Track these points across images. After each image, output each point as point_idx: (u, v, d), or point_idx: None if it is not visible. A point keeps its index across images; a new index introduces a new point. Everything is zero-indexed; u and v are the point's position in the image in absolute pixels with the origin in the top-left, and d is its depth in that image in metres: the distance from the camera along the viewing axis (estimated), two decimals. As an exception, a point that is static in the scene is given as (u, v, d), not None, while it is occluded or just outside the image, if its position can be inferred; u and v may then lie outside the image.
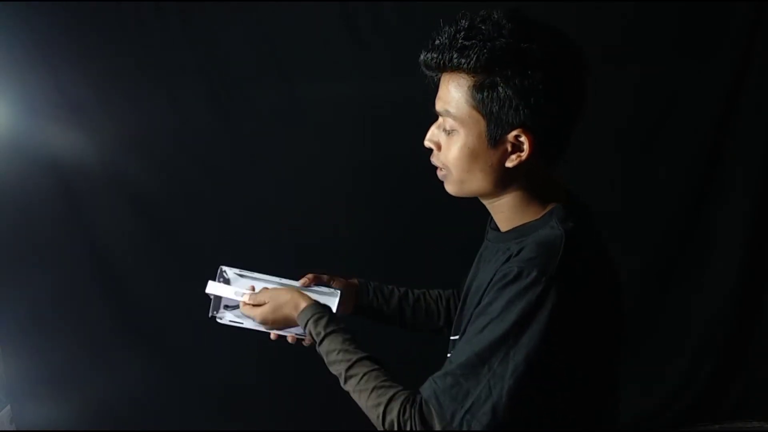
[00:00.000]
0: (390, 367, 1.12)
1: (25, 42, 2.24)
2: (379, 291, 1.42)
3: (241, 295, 1.35)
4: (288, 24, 2.34)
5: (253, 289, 1.37)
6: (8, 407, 2.47)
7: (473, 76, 1.02)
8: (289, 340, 1.34)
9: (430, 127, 1.12)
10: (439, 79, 1.08)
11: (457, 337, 1.18)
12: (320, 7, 2.31)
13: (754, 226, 2.55)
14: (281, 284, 1.37)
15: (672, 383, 2.65)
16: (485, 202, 1.14)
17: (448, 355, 1.21)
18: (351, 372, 1.10)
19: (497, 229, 1.16)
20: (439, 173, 1.13)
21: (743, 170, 2.52)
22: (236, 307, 1.37)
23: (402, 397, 1.04)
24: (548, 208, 1.09)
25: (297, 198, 2.46)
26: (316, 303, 1.25)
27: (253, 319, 1.33)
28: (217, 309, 1.39)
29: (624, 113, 2.47)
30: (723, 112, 2.48)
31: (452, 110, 1.05)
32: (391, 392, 1.05)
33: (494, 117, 1.02)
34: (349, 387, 1.11)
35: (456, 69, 1.03)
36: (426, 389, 1.03)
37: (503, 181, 1.08)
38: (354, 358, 1.12)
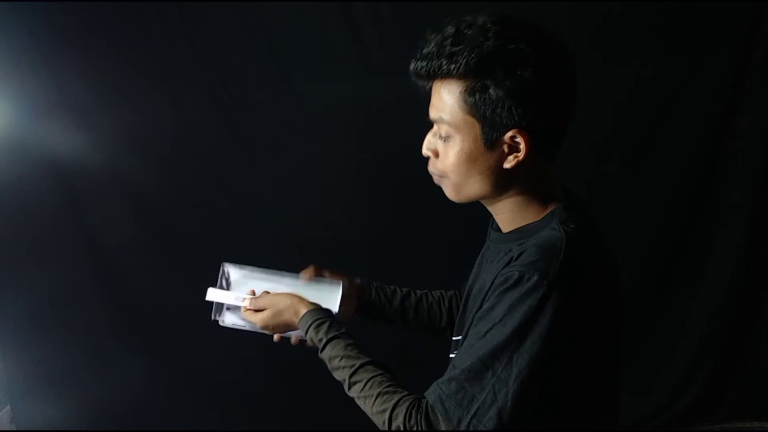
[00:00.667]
0: (394, 371, 1.12)
1: (25, 42, 2.24)
2: (381, 290, 1.42)
3: (242, 300, 1.35)
4: (288, 24, 2.35)
5: (254, 293, 1.37)
6: (8, 407, 2.47)
7: (464, 81, 1.02)
8: (293, 341, 1.34)
9: (426, 136, 1.12)
10: (430, 88, 1.09)
11: (459, 337, 1.18)
12: (320, 7, 2.31)
13: (753, 226, 2.55)
14: (282, 279, 1.37)
15: (672, 383, 2.65)
16: (486, 203, 1.14)
17: (451, 355, 1.21)
18: (355, 378, 1.10)
19: (499, 229, 1.16)
20: (438, 180, 1.13)
21: (742, 170, 2.51)
22: (239, 308, 1.37)
23: (407, 403, 1.03)
24: (549, 209, 1.09)
25: (297, 197, 2.46)
26: (317, 308, 1.25)
27: (255, 324, 1.33)
28: (219, 312, 1.39)
29: (623, 113, 2.47)
30: (722, 112, 2.48)
31: (446, 117, 1.05)
32: (396, 398, 1.05)
33: (488, 120, 1.03)
34: (353, 393, 1.11)
35: (446, 76, 1.04)
36: (431, 394, 1.03)
37: (502, 182, 1.08)
38: (357, 363, 1.11)
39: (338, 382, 1.14)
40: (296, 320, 1.25)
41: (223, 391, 2.56)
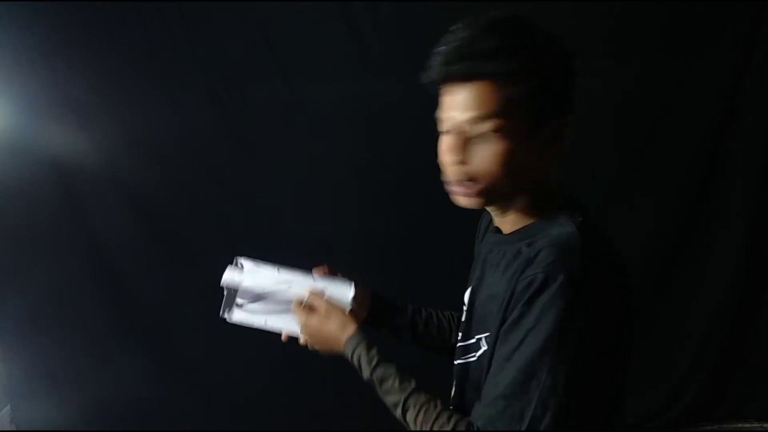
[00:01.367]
0: (439, 395, 1.13)
1: (25, 42, 2.24)
2: (391, 301, 1.41)
3: (283, 283, 1.33)
4: (288, 24, 2.34)
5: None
6: (8, 407, 2.47)
7: (501, 79, 1.01)
8: (301, 341, 1.32)
9: (444, 141, 1.07)
10: (441, 93, 1.06)
11: (464, 343, 1.17)
12: (320, 6, 2.31)
13: (753, 226, 2.55)
14: (296, 277, 1.35)
15: (672, 383, 2.65)
16: (497, 206, 1.12)
17: (455, 362, 1.20)
18: (410, 401, 1.10)
19: (497, 231, 1.15)
20: (461, 187, 1.07)
21: (742, 170, 2.51)
22: (251, 301, 1.36)
23: (462, 429, 1.03)
24: (552, 207, 1.09)
25: (297, 197, 2.46)
26: (364, 329, 1.23)
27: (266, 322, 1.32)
28: (229, 306, 1.36)
29: (623, 113, 2.47)
30: (722, 112, 2.48)
31: (483, 115, 1.02)
32: (452, 423, 1.05)
33: (531, 113, 1.02)
34: (409, 416, 1.10)
35: (484, 76, 1.01)
36: (479, 418, 1.01)
37: (527, 182, 1.07)
38: (410, 387, 1.12)
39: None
40: (342, 336, 1.22)
41: (223, 391, 2.55)
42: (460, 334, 1.22)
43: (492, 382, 1.01)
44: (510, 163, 1.03)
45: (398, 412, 1.11)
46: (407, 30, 2.29)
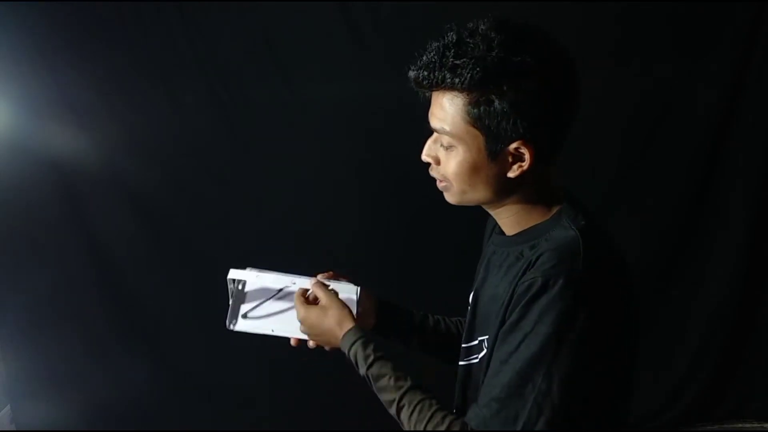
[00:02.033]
0: (436, 394, 1.12)
1: (25, 42, 2.24)
2: (398, 307, 1.40)
3: (287, 282, 1.31)
4: (288, 24, 2.34)
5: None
6: (8, 407, 2.47)
7: (467, 94, 1.00)
8: (310, 345, 1.31)
9: (427, 142, 1.11)
10: (430, 95, 1.07)
11: (468, 344, 1.17)
12: (320, 6, 2.31)
13: (753, 226, 2.55)
14: (298, 281, 1.34)
15: (672, 383, 2.65)
16: (489, 208, 1.13)
17: (460, 363, 1.20)
18: (406, 399, 1.09)
19: (502, 232, 1.15)
20: (440, 185, 1.12)
21: (742, 170, 2.51)
22: (256, 307, 1.34)
23: (456, 429, 1.03)
24: (554, 209, 1.09)
25: (297, 197, 2.46)
26: (360, 326, 1.22)
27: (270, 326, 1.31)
28: (235, 316, 1.35)
29: (623, 113, 2.47)
30: (722, 112, 2.48)
31: (448, 127, 1.04)
32: (447, 422, 1.04)
33: (492, 132, 1.01)
34: (403, 415, 1.09)
35: (449, 88, 1.01)
36: (473, 419, 1.02)
37: (506, 189, 1.07)
38: (406, 385, 1.11)
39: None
40: (339, 331, 1.21)
41: (223, 391, 2.55)
42: (464, 335, 1.22)
43: (488, 384, 1.01)
44: (472, 173, 1.05)
45: (393, 410, 1.11)
46: (407, 30, 2.29)
